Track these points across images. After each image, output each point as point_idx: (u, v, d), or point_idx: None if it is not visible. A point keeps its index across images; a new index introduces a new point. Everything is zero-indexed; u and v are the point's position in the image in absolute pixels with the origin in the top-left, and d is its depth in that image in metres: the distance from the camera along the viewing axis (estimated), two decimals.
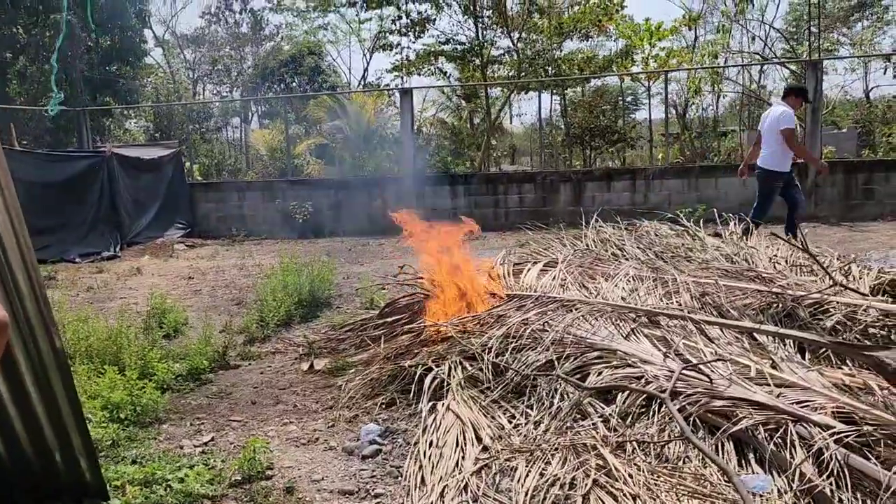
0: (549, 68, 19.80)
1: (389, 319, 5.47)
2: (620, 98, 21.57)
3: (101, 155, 12.83)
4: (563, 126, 20.93)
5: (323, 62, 34.93)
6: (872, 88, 22.98)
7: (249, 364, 5.51)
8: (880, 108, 20.24)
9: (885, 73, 23.53)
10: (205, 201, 14.89)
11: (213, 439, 4.04)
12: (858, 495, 2.90)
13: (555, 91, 20.64)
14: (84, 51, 20.34)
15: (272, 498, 3.27)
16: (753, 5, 19.99)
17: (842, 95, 25.22)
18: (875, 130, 17.88)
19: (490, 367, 4.20)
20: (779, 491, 2.97)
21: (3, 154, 2.74)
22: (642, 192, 12.94)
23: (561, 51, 20.24)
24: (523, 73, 18.46)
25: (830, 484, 2.95)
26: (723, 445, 3.29)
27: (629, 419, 3.57)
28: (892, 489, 2.80)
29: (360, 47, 27.91)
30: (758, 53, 21.45)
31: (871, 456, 3.07)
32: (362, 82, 30.31)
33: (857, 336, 3.92)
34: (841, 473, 2.96)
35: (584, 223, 7.13)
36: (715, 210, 7.47)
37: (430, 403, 4.00)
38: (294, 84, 33.06)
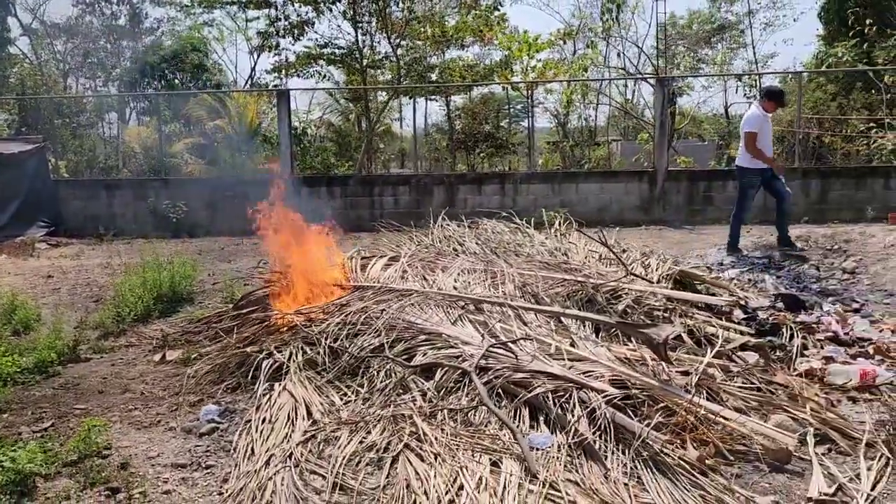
0: (432, 74, 20.40)
1: (244, 311, 5.71)
2: (508, 106, 22.51)
3: None
4: (448, 131, 21.59)
5: (208, 60, 34.13)
6: (731, 105, 25.03)
7: (101, 357, 5.60)
8: (735, 122, 22.18)
9: (735, 91, 25.59)
10: (72, 199, 14.38)
11: (53, 425, 4.18)
12: (620, 445, 3.48)
13: (436, 97, 21.28)
14: None
15: (105, 473, 3.48)
16: (619, 24, 21.33)
17: (708, 112, 27.24)
18: (731, 143, 19.55)
19: (327, 351, 4.56)
20: (558, 446, 3.49)
21: None
22: (511, 196, 13.65)
23: (444, 58, 20.89)
24: (404, 79, 18.92)
25: (599, 437, 3.52)
26: (519, 411, 3.81)
27: (443, 392, 4.03)
28: (641, 436, 3.39)
29: (248, 46, 27.43)
30: (622, 69, 22.87)
31: (633, 414, 3.66)
32: (250, 82, 29.82)
33: (643, 317, 4.57)
34: (608, 428, 3.53)
35: (454, 224, 7.61)
36: (560, 213, 8.12)
37: (268, 384, 4.32)
38: (176, 81, 32.10)
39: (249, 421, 3.96)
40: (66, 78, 30.20)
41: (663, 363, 3.94)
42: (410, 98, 20.75)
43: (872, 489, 3.21)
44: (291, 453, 3.56)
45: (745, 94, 22.78)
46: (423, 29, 19.12)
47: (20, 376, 4.99)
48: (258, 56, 23.01)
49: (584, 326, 4.56)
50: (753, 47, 25.90)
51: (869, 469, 3.36)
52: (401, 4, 17.41)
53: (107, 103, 26.40)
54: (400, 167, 24.87)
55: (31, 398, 4.68)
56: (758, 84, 21.24)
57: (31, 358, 5.21)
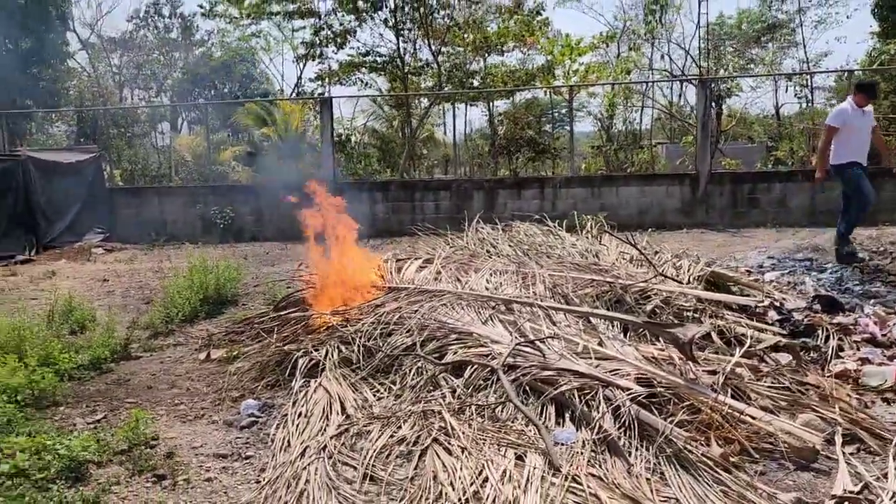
0: (473, 80, 20.54)
1: (283, 312, 5.91)
2: (551, 111, 22.48)
3: (16, 159, 12.81)
4: (490, 136, 21.70)
5: (255, 69, 35.00)
6: (782, 105, 24.54)
7: (151, 355, 5.87)
8: (785, 123, 21.74)
9: (786, 91, 25.07)
10: (125, 206, 14.95)
11: (105, 417, 4.43)
12: (644, 442, 3.54)
13: (478, 103, 21.40)
14: (3, 52, 20.05)
15: (152, 461, 3.69)
16: (663, 25, 21.17)
17: (759, 113, 26.68)
18: (780, 144, 19.16)
19: (362, 349, 4.71)
20: (583, 442, 3.57)
21: None
22: (550, 200, 13.69)
23: (485, 63, 21.00)
24: (446, 85, 19.10)
25: (623, 433, 3.58)
26: (545, 407, 3.89)
27: (472, 389, 4.14)
28: (664, 433, 3.44)
29: (294, 55, 28.07)
30: (668, 71, 22.64)
31: (658, 412, 3.72)
32: (295, 90, 30.47)
33: (671, 317, 4.60)
34: (632, 425, 3.59)
35: (488, 227, 7.73)
36: (599, 217, 8.10)
37: (304, 381, 4.49)
38: (226, 90, 33.01)
39: (286, 415, 4.14)
40: (122, 89, 31.31)
41: (690, 362, 3.97)
42: (452, 104, 20.95)
43: None
44: (325, 446, 3.72)
45: (795, 94, 22.34)
46: (464, 35, 19.30)
47: (76, 372, 5.28)
48: (304, 65, 23.48)
49: (613, 326, 4.62)
50: (805, 46, 25.29)
51: None
52: (442, 12, 17.58)
53: (159, 113, 27.26)
54: (443, 173, 25.05)
55: (85, 392, 4.95)
56: (809, 83, 20.82)
57: (86, 355, 5.50)
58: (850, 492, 3.15)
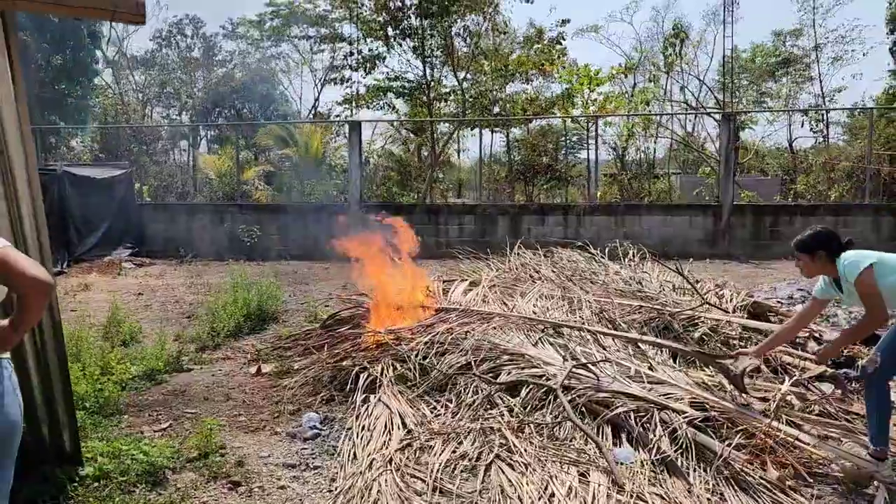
0: (495, 107, 20.88)
1: (332, 330, 6.08)
2: (565, 138, 22.78)
3: (52, 173, 13.10)
4: (507, 162, 21.99)
5: (275, 90, 35.53)
6: (796, 139, 24.79)
7: (201, 368, 6.04)
8: (800, 157, 21.98)
9: (802, 125, 25.33)
10: (154, 222, 15.22)
11: (170, 426, 4.59)
12: (701, 464, 3.67)
13: (497, 129, 21.72)
14: (34, 69, 20.49)
15: (225, 469, 3.85)
16: (682, 58, 21.50)
17: (772, 146, 26.94)
18: (797, 178, 19.36)
19: (417, 367, 4.87)
20: (641, 462, 3.71)
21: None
22: (574, 227, 13.88)
23: (504, 91, 21.35)
24: (468, 111, 19.43)
25: (681, 455, 3.72)
26: (602, 428, 4.04)
27: (529, 408, 4.29)
28: (722, 456, 3.58)
29: (312, 77, 28.56)
30: (686, 103, 22.93)
31: (713, 434, 3.86)
32: (313, 112, 30.89)
33: (719, 345, 4.75)
34: (689, 447, 3.73)
35: (529, 252, 7.91)
36: (629, 245, 8.27)
37: (364, 395, 4.65)
38: (245, 111, 33.49)
39: (350, 428, 4.29)
40: (145, 107, 31.81)
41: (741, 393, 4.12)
42: (472, 130, 21.27)
43: None
44: (391, 458, 3.87)
45: (811, 129, 22.62)
46: (487, 63, 19.69)
47: (133, 383, 5.45)
48: (322, 87, 23.89)
49: (662, 352, 4.77)
50: (821, 81, 25.57)
51: None
52: (468, 40, 17.95)
53: (180, 132, 27.71)
54: (457, 196, 25.35)
55: (145, 402, 5.11)
56: (825, 119, 21.09)
57: (140, 367, 5.68)
58: None
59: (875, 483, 3.52)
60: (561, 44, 21.23)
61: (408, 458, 3.91)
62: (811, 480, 3.61)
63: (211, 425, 4.15)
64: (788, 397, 4.24)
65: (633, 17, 51.10)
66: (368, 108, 19.88)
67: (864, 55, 46.44)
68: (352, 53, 18.06)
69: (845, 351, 5.23)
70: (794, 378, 4.44)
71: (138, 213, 15.16)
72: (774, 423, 3.84)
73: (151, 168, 20.38)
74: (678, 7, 49.14)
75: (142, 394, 5.32)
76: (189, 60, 33.89)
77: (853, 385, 4.83)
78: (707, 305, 5.04)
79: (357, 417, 4.39)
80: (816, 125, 21.27)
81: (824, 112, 21.25)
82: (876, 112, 18.25)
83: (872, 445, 3.71)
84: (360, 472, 3.73)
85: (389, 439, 4.13)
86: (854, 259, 3.70)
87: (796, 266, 4.05)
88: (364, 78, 19.27)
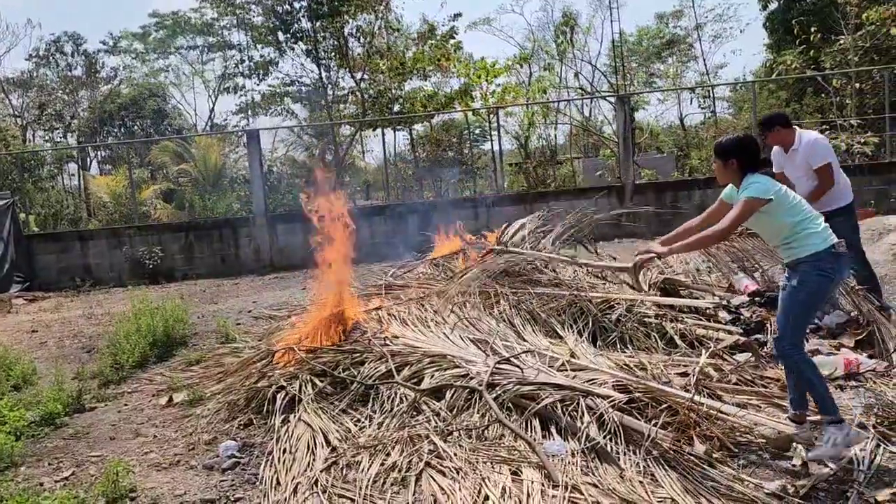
0: (395, 106, 20.74)
1: (247, 351, 5.80)
2: (468, 131, 22.93)
3: None
4: (413, 160, 21.93)
5: (166, 105, 34.11)
6: (686, 116, 25.84)
7: (106, 405, 5.63)
8: (692, 133, 22.92)
9: (690, 102, 26.42)
10: (44, 253, 14.29)
11: (73, 473, 4.23)
12: (630, 446, 3.67)
13: (400, 127, 21.62)
14: None
15: None
16: (573, 45, 21.99)
17: (665, 124, 27.97)
18: (690, 153, 20.12)
19: (336, 380, 4.69)
20: (572, 452, 3.67)
21: None
22: (484, 218, 13.92)
23: (403, 89, 21.25)
24: (368, 112, 19.21)
25: (610, 440, 3.70)
26: (530, 422, 3.98)
27: (455, 410, 4.18)
28: (650, 436, 3.58)
29: (206, 88, 27.59)
30: (581, 89, 23.46)
31: (639, 416, 3.86)
32: (209, 124, 29.87)
33: (636, 324, 4.80)
34: (617, 431, 3.72)
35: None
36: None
37: (283, 416, 4.43)
38: (136, 128, 31.99)
39: (271, 452, 4.07)
40: (25, 132, 29.89)
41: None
42: (375, 130, 21.08)
43: (868, 468, 3.44)
44: (317, 480, 3.68)
45: (699, 105, 23.61)
46: (383, 62, 19.51)
47: (29, 429, 5.01)
48: (216, 97, 23.12)
49: (581, 338, 4.77)
50: (704, 59, 26.76)
51: (862, 450, 3.59)
52: (361, 40, 17.73)
53: (67, 155, 26.19)
54: (366, 199, 25.10)
55: (44, 450, 4.71)
56: (711, 95, 22.06)
57: (37, 411, 5.24)
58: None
59: (795, 445, 3.61)
60: (454, 38, 21.30)
61: (334, 477, 3.73)
62: (736, 451, 3.67)
63: (118, 468, 3.83)
64: (707, 369, 4.31)
65: (523, 7, 52.17)
66: (266, 115, 19.33)
67: (741, 32, 49.05)
68: (243, 61, 17.52)
69: (754, 316, 5.40)
70: (711, 350, 4.53)
71: (26, 244, 14.17)
72: (696, 398, 3.89)
73: (37, 196, 19.14)
74: None
75: (40, 441, 4.91)
76: (70, 79, 32.07)
77: (765, 350, 4.98)
78: (620, 287, 5.08)
79: (277, 440, 4.17)
80: (704, 101, 22.21)
81: (710, 88, 22.19)
82: (757, 85, 19.21)
83: (792, 409, 3.81)
84: (285, 500, 3.54)
85: (314, 459, 3.94)
86: (760, 185, 3.60)
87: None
88: (258, 85, 18.74)
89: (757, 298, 5.84)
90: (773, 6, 20.95)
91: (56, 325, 9.65)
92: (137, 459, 4.38)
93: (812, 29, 16.15)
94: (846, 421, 3.59)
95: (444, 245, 7.96)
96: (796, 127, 5.63)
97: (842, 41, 16.39)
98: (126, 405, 5.58)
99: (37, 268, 14.14)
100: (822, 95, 16.80)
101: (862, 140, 13.94)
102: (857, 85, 15.54)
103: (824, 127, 15.15)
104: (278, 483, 3.76)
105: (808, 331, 3.69)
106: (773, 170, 5.51)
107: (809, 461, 3.47)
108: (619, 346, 4.62)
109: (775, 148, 5.69)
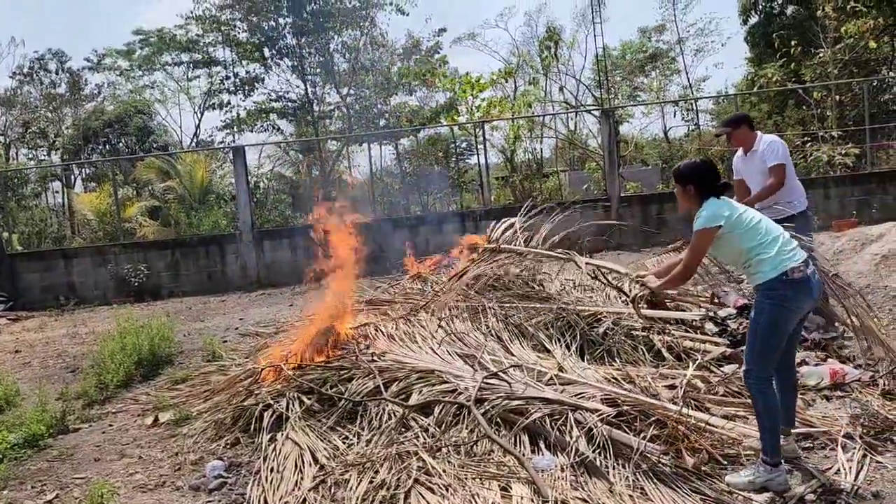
0: (381, 121, 20.80)
1: (234, 368, 5.76)
2: (454, 145, 22.97)
3: None
4: (399, 174, 21.93)
5: (152, 121, 33.97)
6: (670, 128, 26.08)
7: (90, 426, 5.56)
8: (676, 146, 23.14)
9: (674, 115, 26.69)
10: (27, 272, 14.14)
11: (57, 496, 4.17)
12: (619, 460, 3.66)
13: (386, 142, 21.65)
14: None
15: None
16: (557, 60, 22.14)
17: (649, 137, 28.21)
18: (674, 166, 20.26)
19: (324, 397, 4.66)
20: (561, 466, 3.66)
21: None
22: (471, 233, 13.88)
23: (389, 104, 21.32)
24: (355, 127, 19.24)
25: (599, 454, 3.70)
26: (519, 437, 3.97)
27: (444, 426, 4.16)
28: (639, 450, 3.58)
29: (191, 105, 27.48)
30: (566, 102, 23.63)
31: (628, 429, 3.86)
32: (195, 140, 29.74)
33: (623, 337, 4.80)
34: (606, 445, 3.72)
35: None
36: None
37: (270, 435, 4.40)
38: (121, 145, 31.82)
39: (258, 472, 4.03)
40: (8, 150, 29.69)
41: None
42: (361, 145, 21.11)
43: (856, 479, 3.45)
44: (305, 499, 3.65)
45: (682, 118, 23.84)
46: (368, 77, 19.58)
47: (12, 452, 4.94)
48: (202, 114, 23.07)
49: (569, 351, 4.77)
50: (687, 73, 27.07)
51: (849, 461, 3.60)
52: (347, 56, 17.79)
53: (50, 173, 26.03)
54: (352, 213, 24.99)
55: (27, 472, 4.64)
56: (694, 108, 22.29)
57: (19, 433, 5.16)
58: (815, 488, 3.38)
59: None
60: (439, 52, 21.44)
61: (322, 496, 3.70)
62: (725, 463, 3.67)
63: (103, 490, 3.79)
64: (694, 381, 4.32)
65: (507, 23, 52.56)
66: (252, 131, 19.31)
67: (722, 45, 49.71)
68: (228, 77, 17.50)
69: (741, 328, 5.42)
70: (698, 362, 4.54)
71: (9, 264, 14.02)
72: (685, 410, 3.89)
73: (21, 214, 18.96)
74: (550, 10, 50.98)
75: (22, 463, 4.83)
76: (54, 97, 31.89)
77: None
78: (607, 300, 5.09)
79: (265, 459, 4.13)
80: (687, 114, 22.45)
81: (693, 101, 22.41)
82: (739, 98, 19.43)
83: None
84: None
85: (301, 478, 3.91)
86: (708, 213, 3.47)
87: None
88: (244, 101, 18.71)
89: (745, 311, 5.87)
90: (753, 21, 21.23)
91: (40, 344, 9.53)
92: (123, 481, 4.33)
93: (792, 42, 16.37)
94: (782, 466, 3.41)
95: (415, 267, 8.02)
96: (759, 132, 5.77)
97: (821, 54, 16.62)
98: (111, 426, 5.52)
99: (20, 287, 13.98)
100: (804, 108, 17.00)
101: (843, 151, 14.10)
102: (838, 97, 15.74)
103: (806, 139, 15.33)
104: (265, 503, 3.72)
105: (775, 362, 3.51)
106: (734, 177, 5.99)
107: (727, 482, 3.44)
108: (606, 360, 4.63)
109: (737, 154, 5.88)
